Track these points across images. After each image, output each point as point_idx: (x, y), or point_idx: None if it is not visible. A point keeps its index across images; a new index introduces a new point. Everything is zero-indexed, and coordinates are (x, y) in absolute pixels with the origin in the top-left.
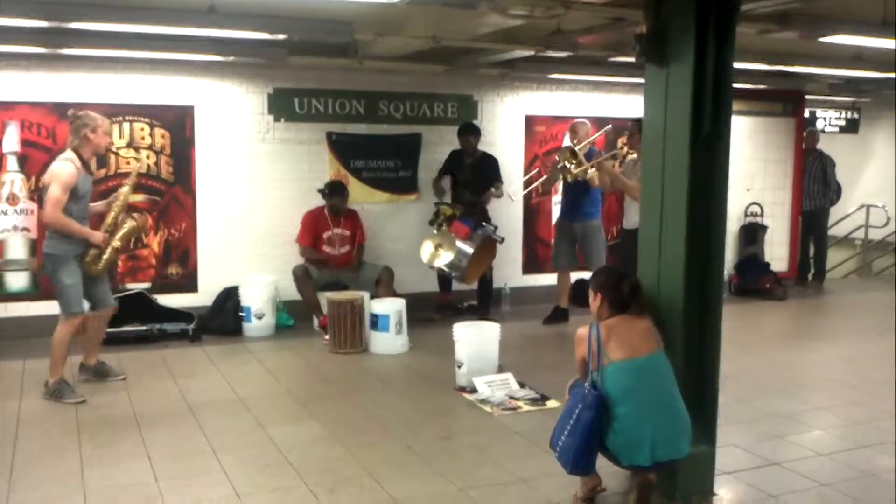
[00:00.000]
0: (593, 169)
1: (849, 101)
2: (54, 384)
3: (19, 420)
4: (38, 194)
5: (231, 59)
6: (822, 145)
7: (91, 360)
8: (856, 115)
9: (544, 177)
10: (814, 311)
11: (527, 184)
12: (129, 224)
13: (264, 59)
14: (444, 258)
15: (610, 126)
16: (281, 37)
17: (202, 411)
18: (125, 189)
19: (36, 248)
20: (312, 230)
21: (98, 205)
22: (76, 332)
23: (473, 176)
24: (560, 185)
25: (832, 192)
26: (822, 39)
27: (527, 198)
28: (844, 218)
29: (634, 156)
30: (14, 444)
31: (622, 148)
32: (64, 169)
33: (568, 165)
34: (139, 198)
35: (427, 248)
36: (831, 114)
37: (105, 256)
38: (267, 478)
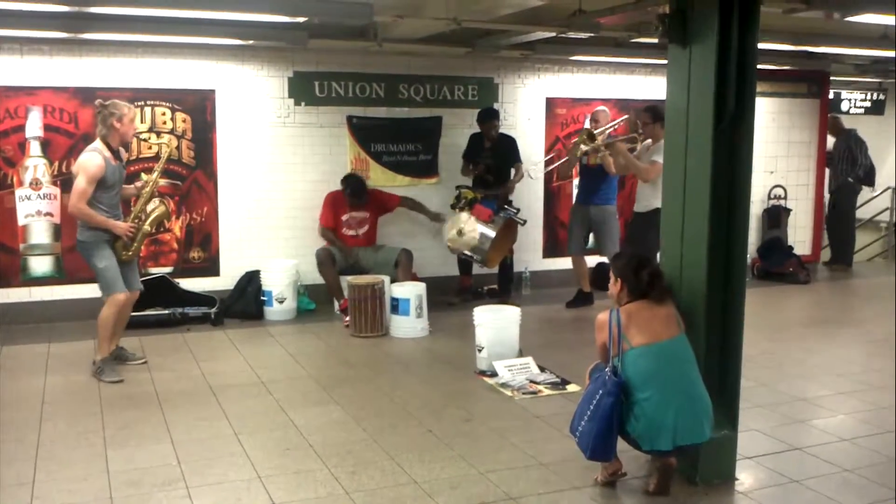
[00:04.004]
0: (607, 151)
1: (875, 81)
2: (100, 362)
3: (44, 402)
4: (60, 179)
5: (251, 42)
6: (848, 127)
7: (112, 346)
8: (881, 97)
9: (564, 158)
10: (838, 295)
11: (548, 163)
12: (159, 209)
13: (284, 42)
14: (468, 242)
15: (628, 115)
16: (301, 19)
17: (224, 394)
18: (154, 175)
19: (59, 232)
20: (333, 210)
21: (128, 188)
22: (121, 310)
23: (494, 158)
24: (579, 169)
25: (858, 168)
26: (849, 18)
27: (547, 181)
28: (869, 200)
29: (648, 142)
30: (39, 425)
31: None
32: (91, 161)
33: (584, 147)
34: (161, 182)
35: (450, 232)
36: (856, 95)
37: (135, 243)
38: (289, 460)
